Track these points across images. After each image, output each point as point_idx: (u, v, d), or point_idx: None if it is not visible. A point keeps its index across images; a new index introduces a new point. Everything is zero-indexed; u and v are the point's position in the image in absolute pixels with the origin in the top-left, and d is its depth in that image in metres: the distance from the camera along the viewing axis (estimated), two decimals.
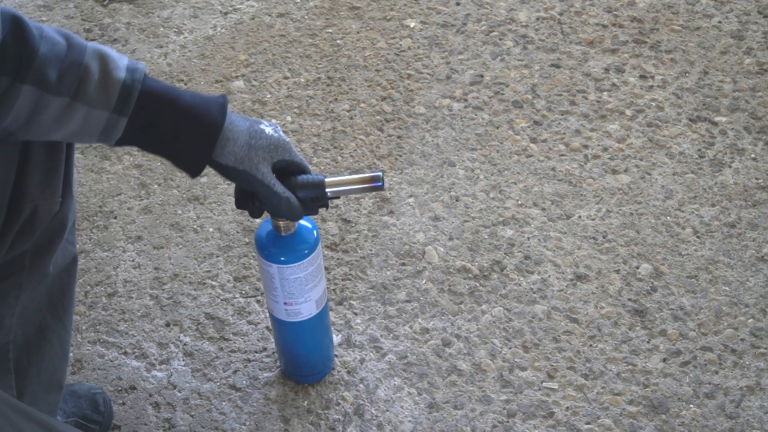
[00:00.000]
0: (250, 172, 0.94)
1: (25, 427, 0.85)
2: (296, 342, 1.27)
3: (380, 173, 1.05)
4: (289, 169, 1.01)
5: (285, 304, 1.18)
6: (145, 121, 0.87)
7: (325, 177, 1.03)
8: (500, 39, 1.84)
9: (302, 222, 1.14)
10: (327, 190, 1.03)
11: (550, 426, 1.26)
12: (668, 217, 1.51)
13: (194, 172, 0.93)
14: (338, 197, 1.06)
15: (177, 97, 0.88)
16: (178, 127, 0.89)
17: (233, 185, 1.02)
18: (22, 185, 0.93)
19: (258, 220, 1.53)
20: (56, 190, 0.98)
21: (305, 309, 1.19)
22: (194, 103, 0.89)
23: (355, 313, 1.40)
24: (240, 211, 1.56)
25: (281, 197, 0.98)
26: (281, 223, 1.10)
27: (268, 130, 0.97)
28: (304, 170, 1.02)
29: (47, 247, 1.02)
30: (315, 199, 1.03)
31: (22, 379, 1.07)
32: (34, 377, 1.08)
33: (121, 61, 0.86)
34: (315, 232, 1.14)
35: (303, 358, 1.30)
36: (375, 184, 1.05)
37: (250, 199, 1.01)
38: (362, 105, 1.73)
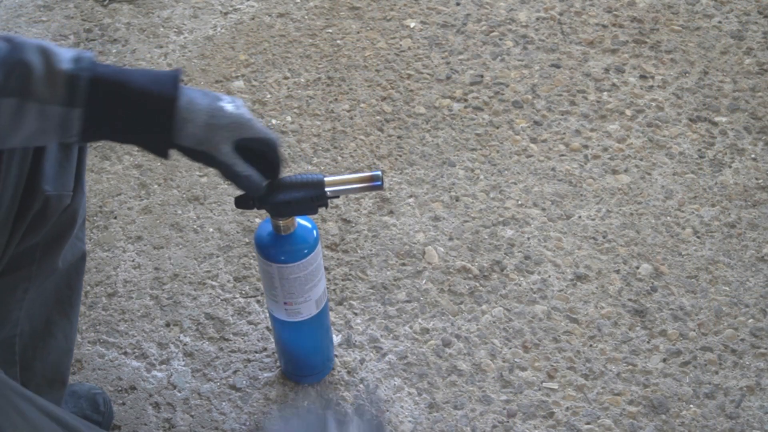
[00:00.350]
0: (209, 153, 0.91)
1: (30, 414, 0.86)
2: (296, 342, 1.26)
3: (379, 172, 1.05)
4: (258, 148, 0.96)
5: (285, 303, 1.18)
6: (100, 110, 0.84)
7: (324, 176, 1.04)
8: (500, 39, 1.84)
9: (302, 221, 1.14)
10: (326, 189, 1.03)
11: (550, 426, 1.26)
12: (668, 217, 1.51)
13: (162, 155, 0.90)
14: (338, 196, 1.06)
15: (128, 80, 0.85)
16: (133, 112, 0.86)
17: (234, 186, 1.02)
18: (35, 178, 0.94)
19: (258, 220, 1.53)
20: (68, 184, 0.99)
21: (305, 309, 1.19)
22: (145, 83, 0.86)
23: (355, 313, 1.40)
24: (240, 211, 1.57)
25: (242, 177, 0.94)
26: (281, 223, 1.11)
27: (229, 107, 0.91)
28: (270, 145, 0.96)
29: (57, 242, 1.03)
30: (314, 198, 1.03)
31: (26, 373, 1.07)
32: (39, 371, 1.09)
33: (65, 53, 0.83)
34: (315, 232, 1.14)
35: (303, 358, 1.30)
36: (374, 183, 1.05)
37: (249, 197, 1.02)
38: (362, 105, 1.73)
